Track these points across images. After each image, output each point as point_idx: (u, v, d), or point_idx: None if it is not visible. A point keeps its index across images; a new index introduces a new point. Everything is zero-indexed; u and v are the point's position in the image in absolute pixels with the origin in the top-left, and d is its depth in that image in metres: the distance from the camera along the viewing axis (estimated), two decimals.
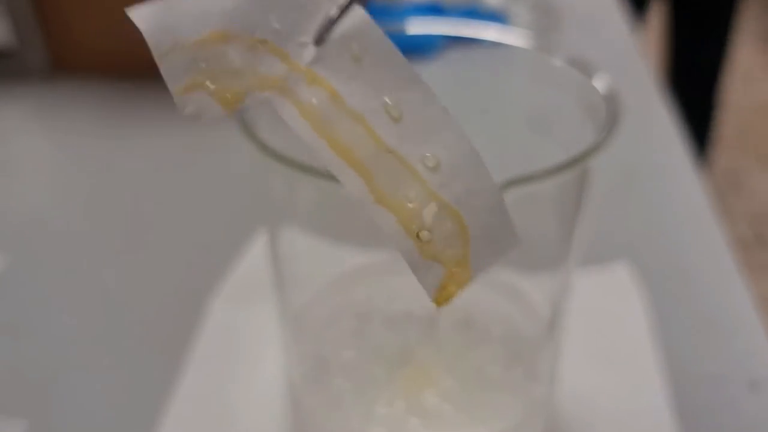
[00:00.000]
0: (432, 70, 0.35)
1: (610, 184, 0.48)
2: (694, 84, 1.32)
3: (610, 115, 0.27)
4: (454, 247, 0.18)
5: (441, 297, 0.18)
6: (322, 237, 0.32)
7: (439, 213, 0.18)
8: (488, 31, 0.31)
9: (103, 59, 0.61)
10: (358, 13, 0.18)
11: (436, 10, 0.65)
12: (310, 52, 0.18)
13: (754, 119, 1.70)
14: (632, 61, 0.65)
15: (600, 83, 0.29)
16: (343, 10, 0.18)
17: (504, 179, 0.25)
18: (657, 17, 1.41)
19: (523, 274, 0.35)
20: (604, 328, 0.39)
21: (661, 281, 0.42)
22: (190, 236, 0.47)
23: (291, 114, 0.18)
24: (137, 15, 0.17)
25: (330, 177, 0.19)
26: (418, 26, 0.33)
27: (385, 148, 0.18)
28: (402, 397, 0.32)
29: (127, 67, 0.60)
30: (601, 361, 0.37)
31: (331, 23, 0.18)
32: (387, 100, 0.18)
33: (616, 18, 0.72)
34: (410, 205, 0.18)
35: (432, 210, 0.18)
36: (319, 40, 0.18)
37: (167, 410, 0.35)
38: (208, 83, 0.17)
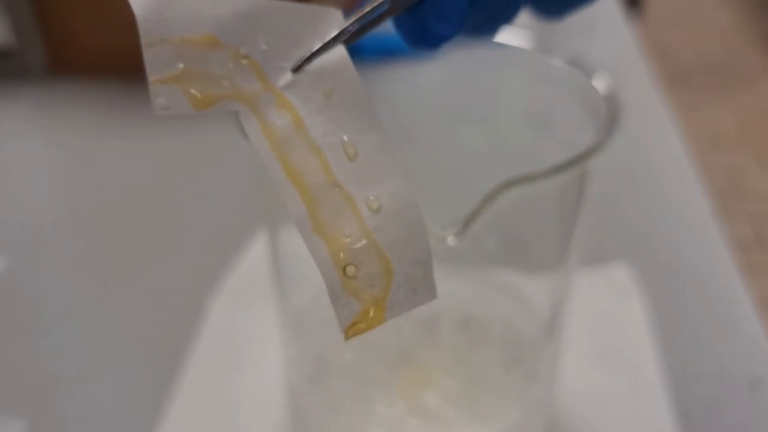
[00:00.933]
0: (432, 70, 0.35)
1: (610, 184, 0.48)
2: None
3: (610, 115, 0.27)
4: (375, 288, 0.19)
5: (350, 331, 0.19)
6: None
7: (369, 252, 0.19)
8: None
9: (103, 59, 0.61)
10: (340, 52, 0.19)
11: None
12: (286, 77, 0.19)
13: (754, 119, 1.70)
14: (632, 61, 0.65)
15: (600, 83, 0.29)
16: (325, 46, 0.19)
17: (504, 179, 0.25)
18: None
19: (523, 274, 0.35)
20: (603, 329, 0.39)
21: (661, 281, 0.42)
22: (191, 236, 0.47)
23: (254, 129, 0.19)
24: (135, 1, 0.18)
25: None
26: None
27: (333, 182, 0.19)
28: (402, 397, 0.32)
29: (127, 67, 0.59)
30: (601, 361, 0.37)
31: (312, 55, 0.19)
32: (346, 138, 0.19)
33: (616, 18, 0.72)
34: (344, 240, 0.18)
35: (363, 248, 0.18)
36: (298, 68, 0.19)
37: (168, 410, 0.35)
38: (185, 81, 0.18)
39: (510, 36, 0.31)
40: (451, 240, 0.24)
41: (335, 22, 0.19)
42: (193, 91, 0.18)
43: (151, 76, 0.18)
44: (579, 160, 0.25)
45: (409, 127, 0.35)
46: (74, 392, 0.37)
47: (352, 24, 0.19)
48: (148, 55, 0.18)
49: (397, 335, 0.34)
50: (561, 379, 0.35)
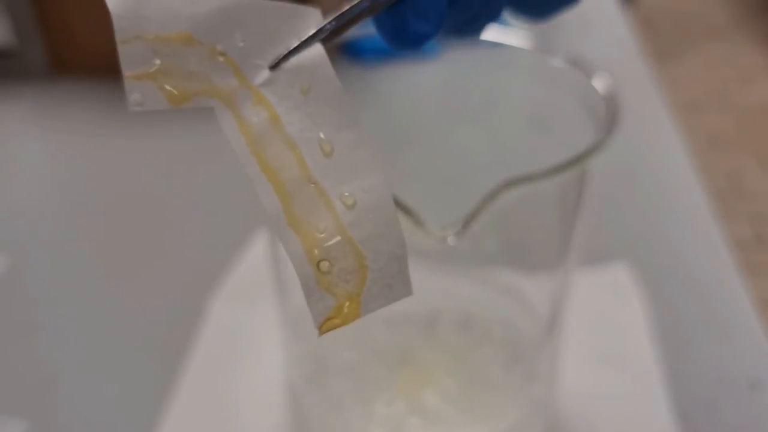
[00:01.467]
0: (432, 70, 0.35)
1: (609, 185, 0.48)
2: None
3: (610, 115, 0.27)
4: (349, 284, 0.19)
5: (324, 326, 0.19)
6: None
7: (344, 248, 0.19)
8: (488, 31, 0.31)
9: (103, 60, 0.61)
10: (317, 49, 0.19)
11: None
12: (264, 75, 0.19)
13: (754, 119, 1.69)
14: (632, 61, 0.65)
15: (600, 83, 0.29)
16: (303, 44, 0.19)
17: (504, 179, 0.25)
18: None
19: (523, 274, 0.35)
20: (603, 329, 0.39)
21: (661, 281, 0.42)
22: (191, 236, 0.47)
23: (230, 125, 0.19)
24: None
25: None
26: None
27: (308, 178, 0.19)
28: (402, 397, 0.32)
29: None
30: (600, 361, 0.37)
31: (289, 53, 0.19)
32: (322, 135, 0.19)
33: (616, 18, 0.72)
34: (319, 235, 0.19)
35: (337, 244, 0.19)
36: (275, 66, 0.19)
37: (168, 410, 0.35)
38: (160, 77, 0.18)
39: (510, 36, 0.31)
40: (451, 240, 0.24)
41: (313, 21, 0.19)
42: (168, 87, 0.18)
43: (126, 72, 0.18)
44: (579, 160, 0.25)
45: (409, 127, 0.35)
46: (74, 392, 0.37)
47: (330, 22, 0.19)
48: (123, 52, 0.18)
49: (397, 335, 0.34)
50: (561, 379, 0.35)
